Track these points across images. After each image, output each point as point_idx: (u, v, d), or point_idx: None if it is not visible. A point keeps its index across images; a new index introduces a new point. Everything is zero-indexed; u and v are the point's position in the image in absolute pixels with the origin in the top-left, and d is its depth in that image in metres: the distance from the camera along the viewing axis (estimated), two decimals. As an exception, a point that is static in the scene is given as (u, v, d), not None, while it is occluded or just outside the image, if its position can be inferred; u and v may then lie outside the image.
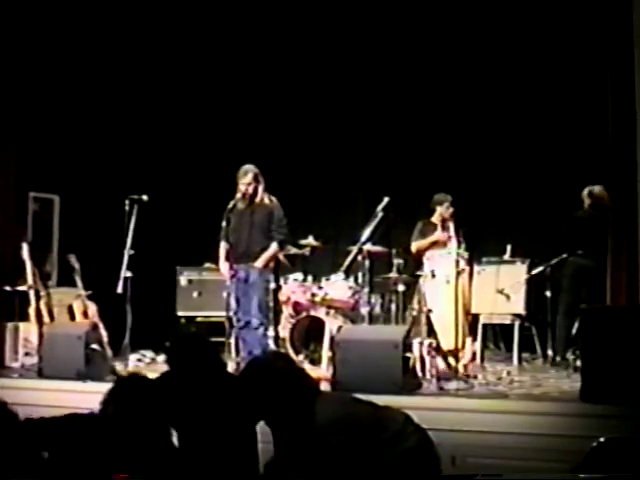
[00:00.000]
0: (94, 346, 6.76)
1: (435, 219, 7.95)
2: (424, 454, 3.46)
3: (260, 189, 7.31)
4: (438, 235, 7.72)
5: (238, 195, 7.28)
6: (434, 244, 7.72)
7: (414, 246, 7.91)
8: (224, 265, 7.31)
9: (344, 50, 9.61)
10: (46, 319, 7.86)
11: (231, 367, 6.38)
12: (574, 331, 7.38)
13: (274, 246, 7.30)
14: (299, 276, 7.64)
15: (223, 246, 7.33)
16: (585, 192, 7.98)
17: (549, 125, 9.04)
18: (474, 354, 7.44)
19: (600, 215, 7.57)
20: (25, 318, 7.90)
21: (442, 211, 7.91)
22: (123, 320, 7.21)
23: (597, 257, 7.44)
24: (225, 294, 7.19)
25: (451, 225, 7.39)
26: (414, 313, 7.03)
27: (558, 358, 7.68)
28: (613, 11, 6.86)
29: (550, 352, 7.83)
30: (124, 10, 9.19)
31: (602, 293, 6.80)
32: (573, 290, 7.76)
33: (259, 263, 7.21)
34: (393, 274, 7.46)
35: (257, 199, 7.32)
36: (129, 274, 7.14)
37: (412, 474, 3.31)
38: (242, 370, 3.75)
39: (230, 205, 7.24)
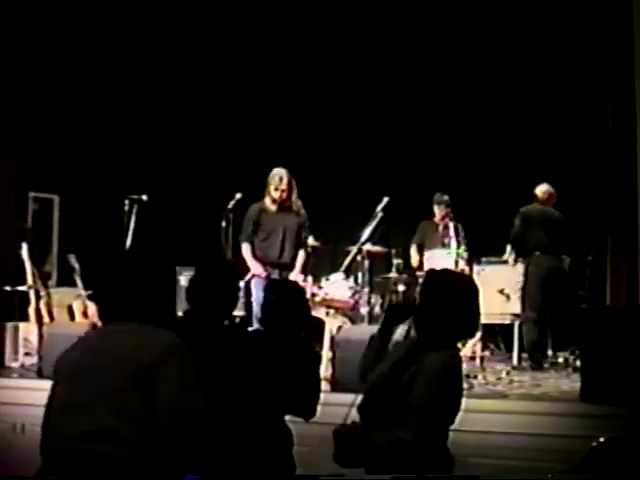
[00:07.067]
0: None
1: (436, 219, 7.99)
2: None
3: (294, 197, 7.25)
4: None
5: (267, 200, 7.21)
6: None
7: (412, 259, 8.14)
8: (255, 264, 7.19)
9: (345, 51, 9.61)
10: (46, 319, 7.86)
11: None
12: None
13: (302, 253, 7.31)
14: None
15: (247, 247, 7.26)
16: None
17: (548, 125, 9.05)
18: (474, 352, 7.44)
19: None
20: (25, 318, 7.89)
21: (438, 212, 7.94)
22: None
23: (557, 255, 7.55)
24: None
25: (451, 225, 7.39)
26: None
27: (560, 359, 7.69)
28: (614, 12, 6.87)
29: (550, 352, 7.83)
30: (124, 10, 9.19)
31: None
32: (542, 292, 7.71)
33: (296, 273, 7.16)
34: (393, 274, 7.46)
35: (289, 204, 7.25)
36: (129, 274, 7.12)
37: None
38: None
39: (260, 207, 7.21)
